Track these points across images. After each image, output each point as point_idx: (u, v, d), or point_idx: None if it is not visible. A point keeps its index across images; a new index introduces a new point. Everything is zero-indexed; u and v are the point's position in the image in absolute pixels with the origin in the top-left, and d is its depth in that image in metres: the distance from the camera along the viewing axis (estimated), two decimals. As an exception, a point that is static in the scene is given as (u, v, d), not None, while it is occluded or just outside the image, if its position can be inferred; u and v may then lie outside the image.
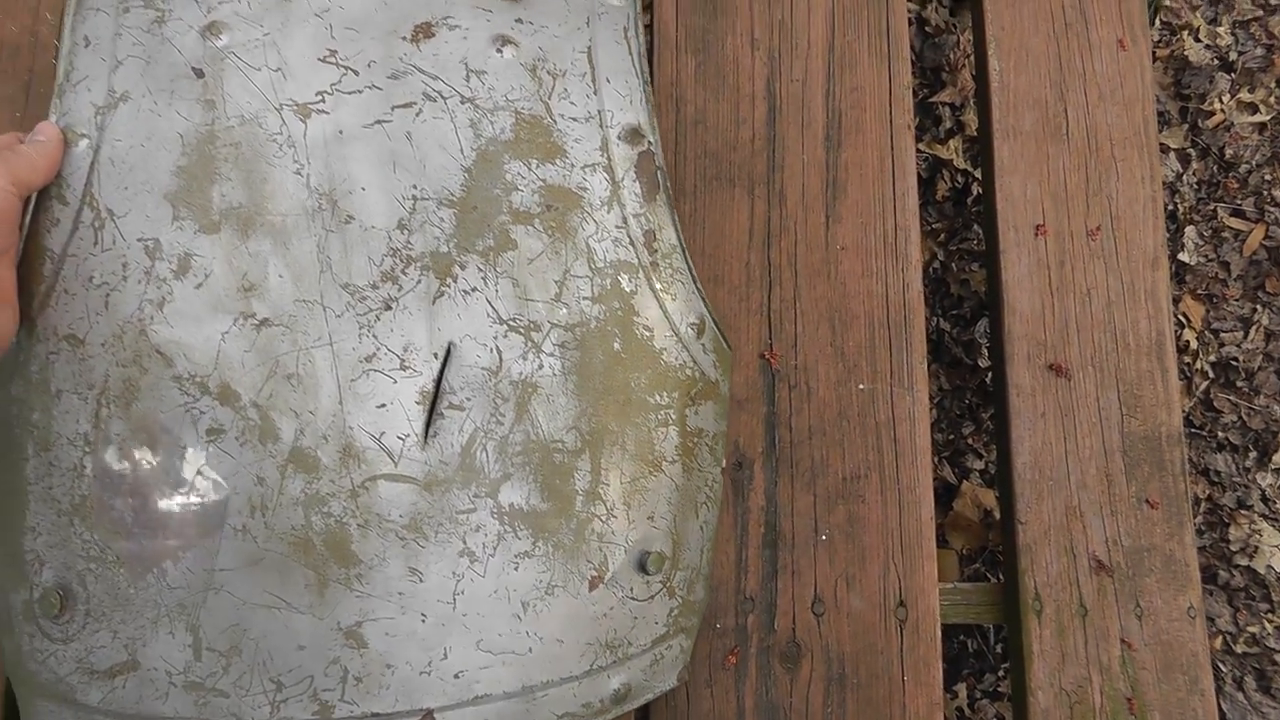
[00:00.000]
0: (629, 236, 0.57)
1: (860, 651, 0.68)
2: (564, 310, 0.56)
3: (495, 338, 0.55)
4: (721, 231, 0.73)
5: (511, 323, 0.56)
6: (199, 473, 0.54)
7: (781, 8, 0.80)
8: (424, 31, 0.58)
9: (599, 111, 0.58)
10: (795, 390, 0.72)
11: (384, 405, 0.55)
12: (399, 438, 0.54)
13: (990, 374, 1.13)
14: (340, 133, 0.56)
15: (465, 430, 0.55)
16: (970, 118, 1.23)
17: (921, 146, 1.19)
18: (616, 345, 0.57)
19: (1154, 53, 0.85)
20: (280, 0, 0.58)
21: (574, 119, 0.58)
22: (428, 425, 0.55)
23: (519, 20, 0.59)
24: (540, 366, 0.56)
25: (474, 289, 0.55)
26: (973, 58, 1.19)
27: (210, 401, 0.54)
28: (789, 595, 0.68)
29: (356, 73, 0.57)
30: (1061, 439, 0.75)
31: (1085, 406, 0.76)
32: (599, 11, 0.61)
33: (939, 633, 0.69)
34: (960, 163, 1.21)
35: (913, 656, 0.68)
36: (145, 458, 0.54)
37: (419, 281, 0.55)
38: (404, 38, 0.58)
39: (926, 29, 1.24)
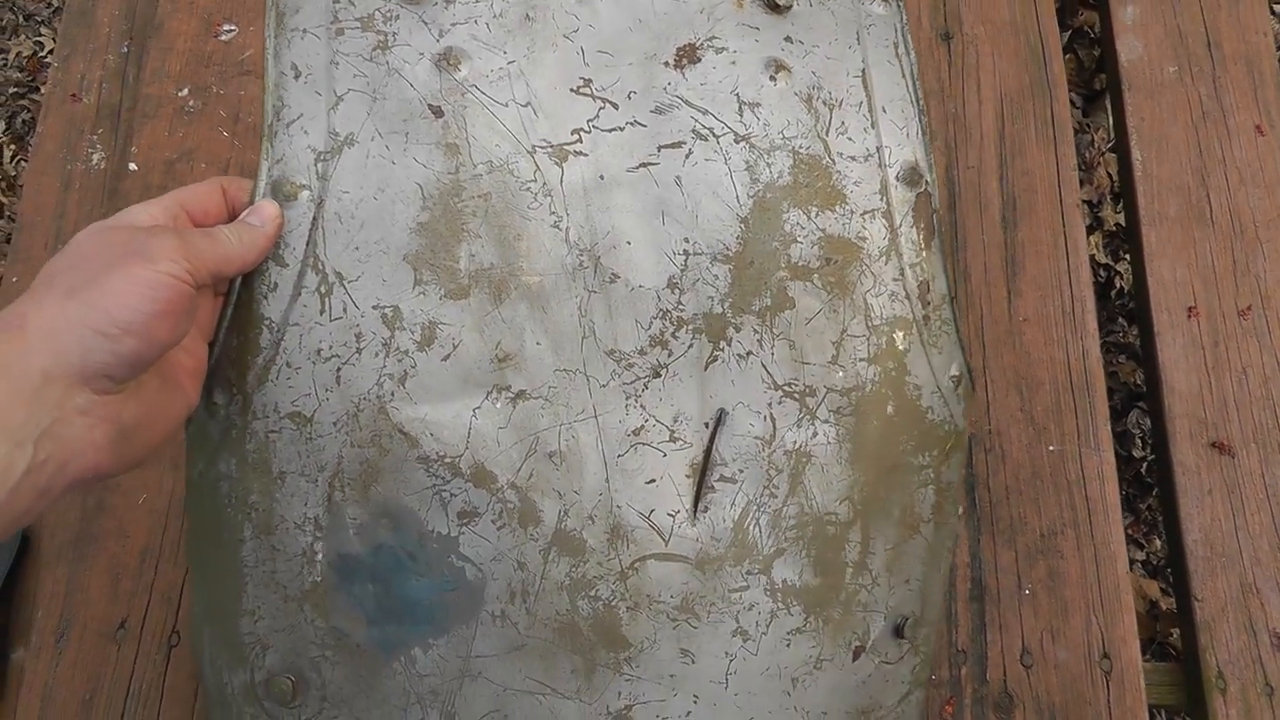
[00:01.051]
0: (905, 290, 0.53)
1: (1070, 702, 0.71)
2: (840, 373, 0.52)
3: (769, 404, 0.51)
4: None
5: (786, 388, 0.51)
6: (450, 559, 0.49)
7: (954, 102, 0.85)
8: (688, 55, 0.50)
9: (877, 148, 0.52)
10: (991, 453, 0.76)
11: (653, 481, 0.50)
12: (669, 514, 0.50)
13: (1145, 464, 1.17)
14: (601, 178, 0.49)
15: (737, 504, 0.51)
16: (1108, 213, 1.25)
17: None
18: (890, 409, 0.53)
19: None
20: (523, 20, 0.49)
21: (852, 158, 0.52)
22: (697, 499, 0.51)
23: (788, 39, 0.52)
24: (815, 435, 0.51)
25: (749, 352, 0.50)
26: (1105, 155, 1.24)
27: (462, 484, 0.48)
28: (998, 647, 0.71)
29: (616, 106, 0.49)
30: (1230, 515, 0.76)
31: (1251, 483, 0.77)
32: (867, 24, 0.54)
33: (1143, 683, 0.71)
34: (1101, 257, 1.23)
35: (1120, 707, 0.71)
36: (388, 543, 0.49)
37: (690, 345, 0.50)
38: (666, 63, 0.50)
39: (1061, 129, 1.26)
